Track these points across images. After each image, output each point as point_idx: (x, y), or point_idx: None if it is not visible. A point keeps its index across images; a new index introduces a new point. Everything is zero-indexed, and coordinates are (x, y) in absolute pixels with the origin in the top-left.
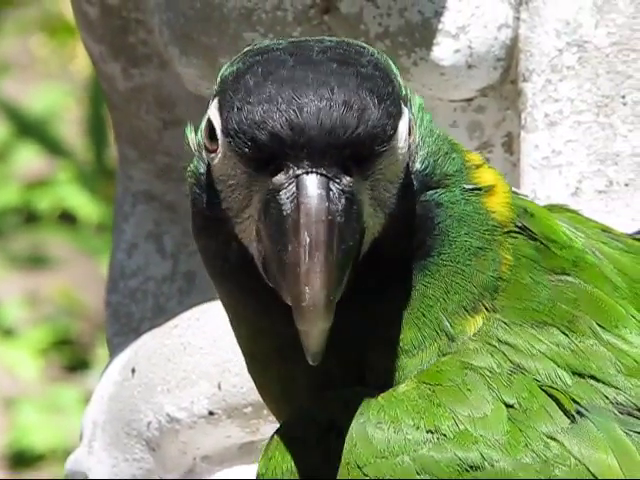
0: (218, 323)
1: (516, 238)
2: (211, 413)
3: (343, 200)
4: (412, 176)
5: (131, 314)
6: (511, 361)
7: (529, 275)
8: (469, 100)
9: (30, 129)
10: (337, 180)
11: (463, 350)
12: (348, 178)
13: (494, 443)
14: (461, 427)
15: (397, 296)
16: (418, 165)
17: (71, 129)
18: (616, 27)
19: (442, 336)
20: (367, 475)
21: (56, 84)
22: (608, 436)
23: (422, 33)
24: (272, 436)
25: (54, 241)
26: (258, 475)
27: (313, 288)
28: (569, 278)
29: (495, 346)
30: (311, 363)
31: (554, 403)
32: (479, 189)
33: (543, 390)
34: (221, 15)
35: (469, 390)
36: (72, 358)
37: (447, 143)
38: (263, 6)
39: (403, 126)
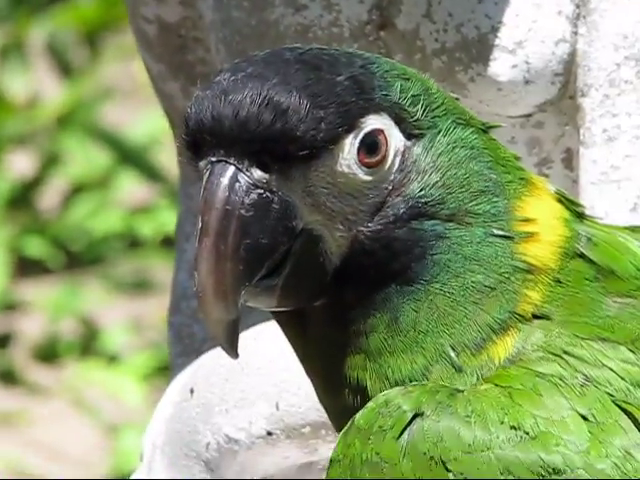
0: (275, 343)
1: (573, 261)
2: (269, 433)
3: (253, 194)
4: (399, 199)
5: (193, 335)
6: (581, 372)
7: (588, 295)
8: (528, 116)
9: (131, 156)
10: (247, 173)
11: (527, 359)
12: (260, 173)
13: (576, 449)
14: (542, 428)
15: (382, 317)
16: (416, 191)
17: (174, 154)
18: None
19: (446, 366)
20: (450, 470)
21: (158, 109)
22: None
23: (479, 49)
24: (353, 419)
25: (157, 267)
26: (334, 458)
27: (200, 274)
28: (634, 301)
29: (561, 357)
30: (230, 357)
31: (628, 418)
32: (511, 237)
33: (616, 404)
34: (277, 32)
35: (541, 395)
36: None
37: (497, 185)
38: (319, 23)
39: (353, 141)
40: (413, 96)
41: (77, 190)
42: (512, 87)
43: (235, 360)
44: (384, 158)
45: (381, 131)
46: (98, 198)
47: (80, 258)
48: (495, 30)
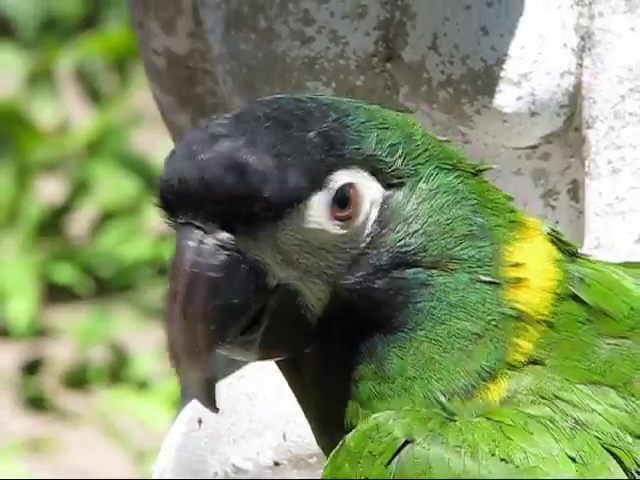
0: None
1: (566, 303)
2: (276, 464)
3: (220, 256)
4: (378, 250)
5: None
6: (571, 416)
7: (580, 338)
8: (533, 147)
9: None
10: (213, 235)
11: (518, 402)
12: (226, 235)
13: None
14: (532, 463)
15: (369, 365)
16: (396, 241)
17: None
18: None
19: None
20: None
21: None
22: None
23: (485, 81)
24: (343, 441)
25: None
26: None
27: (170, 337)
28: (628, 342)
29: (551, 401)
30: (211, 412)
31: (614, 460)
32: (498, 283)
33: (605, 448)
34: (284, 64)
35: (532, 433)
36: None
37: (483, 229)
38: (326, 55)
39: (321, 198)
40: (391, 145)
41: (106, 217)
42: (517, 119)
43: (216, 413)
44: (356, 211)
45: (351, 185)
46: (127, 225)
47: (109, 285)
48: (501, 62)
